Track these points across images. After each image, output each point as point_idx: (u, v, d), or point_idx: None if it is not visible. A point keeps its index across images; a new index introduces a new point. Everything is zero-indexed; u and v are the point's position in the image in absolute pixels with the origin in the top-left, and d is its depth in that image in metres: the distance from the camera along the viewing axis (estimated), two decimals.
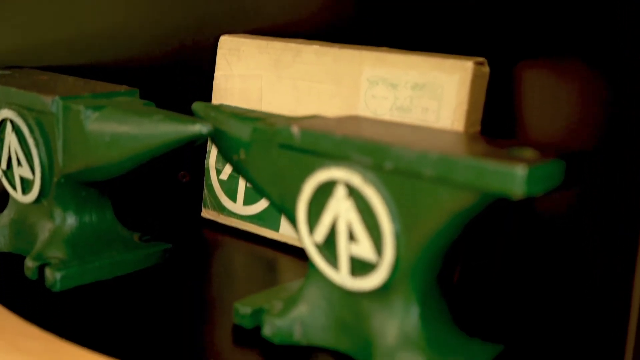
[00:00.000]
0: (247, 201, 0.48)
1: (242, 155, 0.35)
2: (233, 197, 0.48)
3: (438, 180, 0.28)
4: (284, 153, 0.33)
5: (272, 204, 0.34)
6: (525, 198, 0.27)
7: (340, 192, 0.31)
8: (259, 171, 0.34)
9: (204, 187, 0.50)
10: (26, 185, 0.41)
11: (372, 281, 0.30)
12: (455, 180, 0.27)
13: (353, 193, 0.30)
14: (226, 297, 0.38)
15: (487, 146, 0.29)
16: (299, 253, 0.44)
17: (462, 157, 0.27)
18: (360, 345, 0.31)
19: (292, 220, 0.33)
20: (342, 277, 0.31)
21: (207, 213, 0.50)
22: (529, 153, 0.27)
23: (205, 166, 0.50)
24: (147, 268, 0.41)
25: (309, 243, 0.32)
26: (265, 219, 0.47)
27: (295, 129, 0.32)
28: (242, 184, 0.48)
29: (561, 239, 0.35)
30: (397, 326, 0.30)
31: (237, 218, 0.48)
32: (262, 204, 0.47)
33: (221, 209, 0.49)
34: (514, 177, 0.25)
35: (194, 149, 0.52)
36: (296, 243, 0.45)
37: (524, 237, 0.35)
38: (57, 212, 0.40)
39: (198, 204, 0.51)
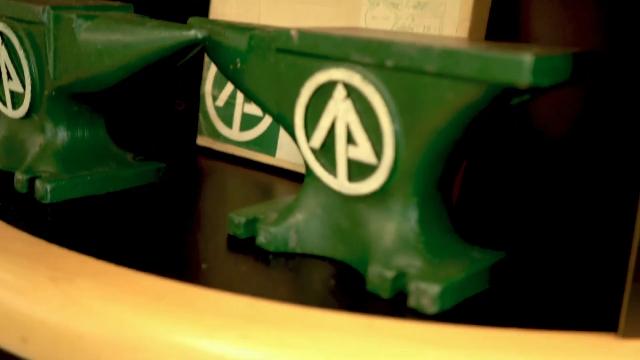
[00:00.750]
0: (244, 127, 0.47)
1: (239, 64, 0.34)
2: (229, 123, 0.47)
3: (441, 76, 0.27)
4: (282, 58, 0.32)
5: (269, 112, 0.33)
6: (531, 91, 0.26)
7: (339, 93, 0.30)
8: (256, 79, 0.33)
9: (199, 115, 0.49)
10: (17, 100, 0.40)
11: (370, 185, 0.30)
12: (460, 73, 0.26)
13: (352, 93, 0.29)
14: (220, 213, 0.37)
15: (491, 44, 0.29)
16: (295, 177, 0.44)
17: (466, 49, 0.26)
18: (357, 252, 0.31)
19: (290, 128, 0.32)
20: (339, 182, 0.31)
21: (202, 140, 0.49)
22: (535, 48, 0.27)
23: (200, 93, 0.49)
24: (140, 186, 0.40)
25: (306, 149, 0.32)
26: (261, 144, 0.46)
27: (293, 32, 0.31)
28: (238, 110, 0.47)
29: (566, 140, 0.34)
30: (395, 230, 0.29)
31: (233, 144, 0.47)
32: (259, 130, 0.46)
33: (217, 135, 0.48)
34: (521, 65, 0.25)
35: (188, 76, 0.51)
36: (292, 167, 0.44)
37: (529, 136, 0.34)
38: (49, 127, 0.39)
39: (193, 133, 0.50)
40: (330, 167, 0.31)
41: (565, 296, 0.30)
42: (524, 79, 0.25)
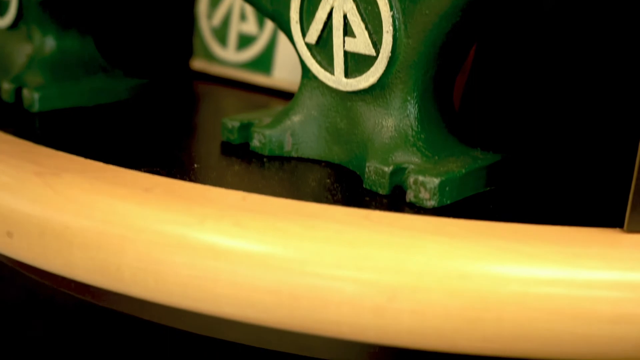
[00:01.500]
0: (240, 46, 0.45)
1: None
2: (224, 43, 0.46)
3: None
4: None
5: (264, 10, 0.32)
6: None
7: None
8: None
9: (194, 36, 0.48)
10: (3, 7, 0.38)
11: (368, 79, 0.29)
12: None
13: None
14: (214, 125, 0.36)
15: None
16: (291, 97, 0.42)
17: None
18: (354, 152, 0.30)
19: (285, 25, 0.31)
20: (336, 78, 0.29)
21: (197, 63, 0.48)
22: None
23: (194, 14, 0.47)
24: (131, 101, 0.39)
25: (302, 45, 0.30)
26: (257, 65, 0.45)
27: None
28: (234, 29, 0.46)
29: (573, 33, 0.33)
30: (393, 126, 0.28)
31: (229, 66, 0.46)
32: (255, 49, 0.45)
33: (212, 58, 0.47)
34: None
35: None
36: (288, 87, 0.43)
37: (535, 27, 0.33)
38: (37, 36, 0.38)
39: (187, 56, 0.48)
40: (327, 63, 0.30)
41: (570, 196, 0.29)
42: None
